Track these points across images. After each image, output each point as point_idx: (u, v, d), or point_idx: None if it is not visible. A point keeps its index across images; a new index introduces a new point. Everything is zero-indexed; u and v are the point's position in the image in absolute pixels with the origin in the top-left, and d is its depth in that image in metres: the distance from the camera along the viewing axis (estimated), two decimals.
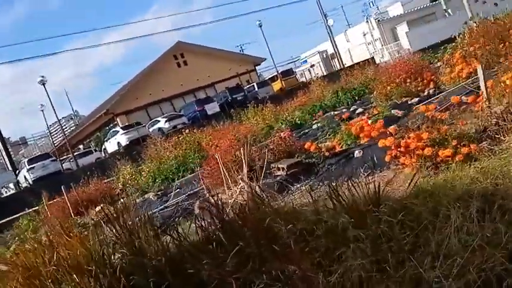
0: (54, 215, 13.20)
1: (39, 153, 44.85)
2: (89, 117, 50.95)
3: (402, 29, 46.68)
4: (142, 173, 17.00)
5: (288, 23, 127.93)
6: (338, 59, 42.42)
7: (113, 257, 4.38)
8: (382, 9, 56.09)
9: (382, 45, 47.53)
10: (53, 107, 42.45)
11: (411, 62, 10.23)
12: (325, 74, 44.31)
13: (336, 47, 42.79)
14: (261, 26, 40.02)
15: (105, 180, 17.70)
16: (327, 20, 43.45)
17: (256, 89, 39.26)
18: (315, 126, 11.12)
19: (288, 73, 42.70)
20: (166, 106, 44.90)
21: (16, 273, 4.54)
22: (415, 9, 51.38)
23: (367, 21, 48.50)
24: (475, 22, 12.32)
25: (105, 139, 37.02)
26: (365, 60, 42.99)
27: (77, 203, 13.13)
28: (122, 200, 12.68)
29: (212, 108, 35.85)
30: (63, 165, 33.92)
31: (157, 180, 11.95)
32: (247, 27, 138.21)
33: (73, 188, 21.03)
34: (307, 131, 11.46)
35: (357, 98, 14.74)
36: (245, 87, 40.19)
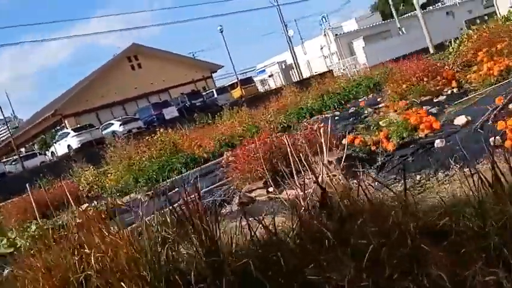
0: (17, 217, 11.70)
1: None
2: (33, 119, 47.84)
3: (359, 44, 47.41)
4: (108, 174, 15.75)
5: (243, 31, 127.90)
6: (297, 70, 42.32)
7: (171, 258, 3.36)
8: (336, 24, 56.77)
9: (339, 59, 48.07)
10: (8, 99, 39.16)
11: (423, 62, 9.80)
12: (284, 84, 44.03)
13: (296, 58, 42.72)
14: (222, 32, 39.22)
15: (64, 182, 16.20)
16: (287, 31, 43.32)
17: (216, 95, 38.31)
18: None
19: (247, 81, 42.08)
20: (118, 110, 42.94)
21: (35, 278, 3.41)
22: (371, 25, 52.58)
23: (324, 35, 48.89)
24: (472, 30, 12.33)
25: (54, 141, 34.68)
26: (324, 72, 43.36)
27: (39, 204, 11.71)
28: (95, 202, 11.40)
29: (170, 112, 34.54)
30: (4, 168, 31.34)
31: (140, 180, 10.74)
32: (204, 32, 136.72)
33: (26, 190, 19.28)
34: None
35: (343, 102, 14.24)
36: (204, 94, 39.11)
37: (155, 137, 15.29)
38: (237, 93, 39.94)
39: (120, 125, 33.51)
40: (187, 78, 46.73)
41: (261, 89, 44.71)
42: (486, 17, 44.67)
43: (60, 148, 32.81)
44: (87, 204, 8.87)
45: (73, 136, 31.40)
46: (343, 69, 41.00)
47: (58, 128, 42.53)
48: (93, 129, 32.23)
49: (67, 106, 40.44)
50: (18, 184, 25.10)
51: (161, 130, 18.34)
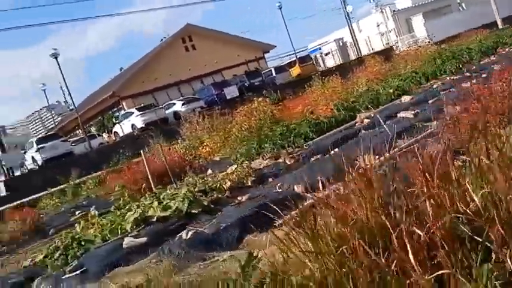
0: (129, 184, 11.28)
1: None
2: (88, 102, 48.22)
3: (418, 20, 45.60)
4: (204, 146, 15.34)
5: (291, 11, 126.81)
6: (356, 47, 40.97)
7: None
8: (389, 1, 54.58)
9: (397, 36, 46.35)
10: (65, 81, 39.42)
11: None
12: (341, 62, 42.86)
13: (354, 35, 41.31)
14: (280, 8, 38.15)
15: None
16: (346, 6, 41.96)
17: (274, 74, 37.45)
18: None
19: (305, 59, 41.04)
20: (174, 91, 42.67)
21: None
22: (428, 1, 50.45)
23: (381, 12, 47.18)
24: None
25: (117, 121, 34.71)
26: (384, 49, 41.86)
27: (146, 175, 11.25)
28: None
29: (231, 92, 33.96)
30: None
31: (265, 146, 10.03)
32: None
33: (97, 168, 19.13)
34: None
35: (461, 66, 13.16)
36: (262, 73, 38.35)
37: (252, 106, 14.60)
38: (295, 71, 39.00)
39: (183, 104, 33.16)
40: (239, 59, 45.96)
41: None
42: None
43: (124, 128, 32.72)
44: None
45: (137, 115, 31.18)
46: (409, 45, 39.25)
47: (115, 109, 42.71)
48: (157, 108, 31.95)
49: (124, 88, 40.43)
50: (85, 163, 25.35)
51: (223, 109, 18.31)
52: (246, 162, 9.57)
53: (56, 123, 68.83)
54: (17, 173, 30.19)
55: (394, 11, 46.73)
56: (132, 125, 31.57)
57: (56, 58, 29.21)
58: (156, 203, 7.02)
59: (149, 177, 10.88)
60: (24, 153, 30.18)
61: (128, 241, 6.24)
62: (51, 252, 7.29)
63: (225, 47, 45.42)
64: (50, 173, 25.80)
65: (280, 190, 6.22)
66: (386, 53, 37.87)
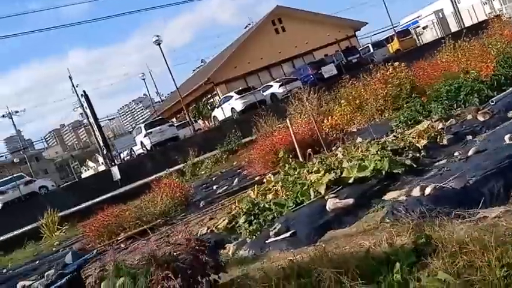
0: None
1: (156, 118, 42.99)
2: (181, 91, 49.28)
3: None
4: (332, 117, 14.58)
5: None
6: (459, 19, 38.10)
7: None
8: None
9: (501, 4, 42.61)
10: (168, 68, 39.83)
11: None
12: (442, 35, 40.13)
13: (457, 6, 38.44)
14: None
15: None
16: None
17: (372, 50, 35.85)
18: None
19: (404, 34, 38.90)
20: (265, 75, 42.44)
21: None
22: None
23: None
24: None
25: (215, 106, 34.99)
26: (493, 17, 38.61)
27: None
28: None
29: (329, 70, 32.92)
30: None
31: (433, 107, 9.05)
32: None
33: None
34: None
35: None
36: (360, 49, 36.87)
37: (388, 72, 13.57)
38: (395, 46, 37.10)
39: (280, 86, 32.72)
40: (330, 38, 44.56)
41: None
42: None
43: (222, 113, 32.83)
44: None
45: (237, 99, 31.10)
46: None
47: (209, 96, 43.25)
48: (255, 91, 31.71)
49: (217, 74, 40.74)
50: (191, 147, 25.52)
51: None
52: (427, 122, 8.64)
53: (147, 114, 71.39)
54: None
55: None
56: (232, 109, 31.56)
57: (159, 45, 29.73)
58: (346, 164, 6.36)
59: (296, 146, 10.36)
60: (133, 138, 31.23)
61: (332, 203, 5.64)
62: (231, 219, 6.94)
63: (315, 27, 44.39)
64: (158, 156, 26.49)
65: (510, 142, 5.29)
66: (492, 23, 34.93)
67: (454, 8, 38.02)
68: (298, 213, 5.91)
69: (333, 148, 10.13)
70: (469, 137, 6.70)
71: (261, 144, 11.89)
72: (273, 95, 32.72)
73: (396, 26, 51.40)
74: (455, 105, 8.99)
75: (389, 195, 5.67)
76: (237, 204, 7.45)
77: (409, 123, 9.19)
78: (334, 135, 12.71)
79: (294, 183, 6.70)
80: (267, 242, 5.54)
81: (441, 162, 6.19)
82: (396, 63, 13.92)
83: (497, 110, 7.27)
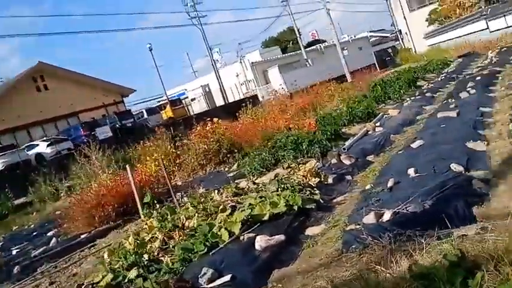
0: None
1: None
2: None
3: (274, 72, 48.72)
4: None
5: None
6: (223, 94, 41.79)
7: None
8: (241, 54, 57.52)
9: (255, 86, 48.82)
10: None
11: None
12: (209, 107, 43.26)
13: (221, 83, 42.22)
14: (151, 50, 37.19)
15: None
16: (212, 54, 42.80)
17: (146, 116, 35.95)
18: None
19: (176, 103, 40.28)
20: (22, 135, 37.83)
21: None
22: (278, 56, 54.87)
23: (240, 62, 49.41)
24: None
25: None
26: (252, 96, 43.65)
27: None
28: None
29: (104, 132, 31.36)
30: None
31: (283, 155, 9.32)
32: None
33: None
34: None
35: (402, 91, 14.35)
36: (134, 114, 36.52)
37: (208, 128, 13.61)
38: (168, 113, 38.00)
39: (48, 145, 29.45)
40: (97, 102, 43.27)
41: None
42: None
43: None
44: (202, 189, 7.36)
45: None
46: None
47: None
48: (18, 150, 27.78)
49: None
50: None
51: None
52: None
53: None
54: None
55: (252, 62, 49.28)
56: None
57: None
58: (252, 201, 5.88)
59: (136, 196, 9.21)
60: None
61: (264, 240, 5.04)
62: (113, 275, 5.56)
63: (81, 89, 42.35)
64: None
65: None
66: (254, 100, 39.78)
67: (219, 84, 41.58)
68: (220, 256, 5.05)
69: (178, 197, 9.38)
70: (348, 177, 7.03)
71: (80, 199, 10.15)
72: (39, 155, 29.14)
73: (162, 96, 53.37)
74: (299, 154, 9.43)
75: (312, 231, 5.41)
76: (107, 257, 6.01)
77: (262, 170, 9.21)
78: (159, 188, 11.85)
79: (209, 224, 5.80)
80: None
81: (338, 199, 6.29)
82: (215, 119, 14.11)
83: (356, 155, 7.90)
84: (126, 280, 5.29)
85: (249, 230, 5.51)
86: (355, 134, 11.18)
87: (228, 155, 13.10)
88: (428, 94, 13.19)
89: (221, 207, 6.30)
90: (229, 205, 7.18)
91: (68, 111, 41.02)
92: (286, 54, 59.27)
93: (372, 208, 4.89)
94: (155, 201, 10.32)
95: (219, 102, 44.41)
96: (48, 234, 11.03)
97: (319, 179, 6.63)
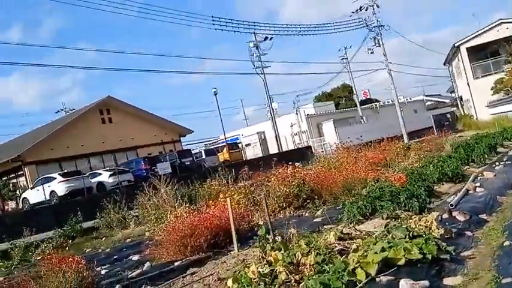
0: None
1: None
2: None
3: (329, 126, 49.03)
4: None
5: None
6: (278, 142, 42.31)
7: None
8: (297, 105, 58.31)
9: (308, 138, 49.13)
10: None
11: None
12: (263, 154, 43.77)
13: (277, 131, 42.87)
14: (216, 94, 38.43)
15: None
16: (271, 103, 43.78)
17: (204, 156, 36.69)
18: None
19: (233, 146, 41.07)
20: (83, 163, 39.24)
21: None
22: (333, 111, 55.40)
23: (296, 113, 50.10)
24: None
25: (30, 187, 30.35)
26: (304, 147, 43.95)
27: None
28: None
29: (164, 168, 32.05)
30: None
31: (382, 205, 9.34)
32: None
33: None
34: None
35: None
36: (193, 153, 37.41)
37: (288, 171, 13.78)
38: (223, 156, 38.69)
39: (110, 175, 30.44)
40: (156, 139, 44.57)
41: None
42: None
43: (36, 195, 28.62)
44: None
45: (60, 182, 27.63)
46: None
47: (11, 176, 37.64)
48: (83, 176, 28.79)
49: (30, 153, 36.06)
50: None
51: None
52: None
53: None
54: None
55: (308, 114, 49.87)
56: (51, 192, 27.74)
57: None
58: (385, 244, 5.88)
59: (232, 228, 9.37)
60: None
61: (409, 284, 5.02)
62: None
63: (142, 125, 43.98)
64: None
65: None
66: (307, 151, 40.05)
67: (275, 133, 42.18)
68: None
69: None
70: (469, 233, 6.94)
71: (173, 227, 10.38)
72: (101, 183, 30.11)
73: (215, 139, 54.43)
74: (396, 206, 9.38)
75: (452, 281, 5.35)
76: (231, 284, 6.10)
77: (360, 218, 9.22)
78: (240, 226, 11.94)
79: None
80: None
81: (466, 253, 6.20)
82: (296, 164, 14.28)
83: (468, 212, 7.81)
84: None
85: (384, 273, 5.50)
86: (446, 193, 11.09)
87: (308, 200, 13.17)
88: None
89: (353, 246, 6.33)
90: (337, 248, 7.27)
91: (128, 145, 42.48)
92: (341, 110, 59.78)
93: None
94: (249, 239, 10.48)
95: (273, 149, 44.85)
96: (133, 258, 11.25)
97: (443, 231, 6.57)
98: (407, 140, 41.61)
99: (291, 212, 12.96)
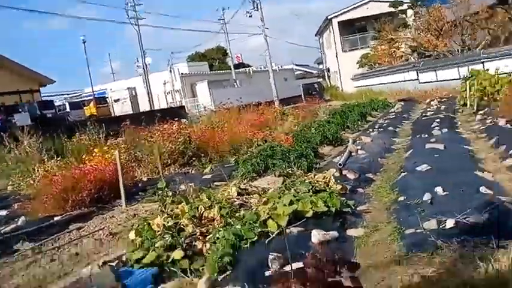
0: None
1: None
2: None
3: (202, 87, 48.74)
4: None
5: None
6: (150, 100, 40.91)
7: None
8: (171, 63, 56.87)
9: (181, 98, 48.42)
10: None
11: None
12: (133, 111, 42.09)
13: (149, 87, 41.36)
14: (84, 42, 35.55)
15: None
16: (145, 57, 41.87)
17: (68, 109, 34.11)
18: None
19: (101, 101, 38.60)
20: None
21: None
22: (210, 72, 55.24)
23: (170, 71, 48.88)
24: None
25: None
26: (177, 106, 43.14)
27: None
28: None
29: (23, 119, 29.20)
30: None
31: (274, 163, 9.51)
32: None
33: None
34: None
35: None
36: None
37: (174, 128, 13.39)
38: (89, 110, 36.31)
39: None
40: (10, 87, 40.07)
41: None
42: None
43: None
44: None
45: None
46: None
47: None
48: None
49: None
50: None
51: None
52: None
53: None
54: None
55: (182, 73, 48.93)
56: None
57: None
58: (293, 198, 6.00)
59: (120, 181, 8.82)
60: None
61: (321, 234, 5.19)
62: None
63: None
64: None
65: None
66: (180, 111, 39.31)
67: (147, 90, 40.71)
68: (275, 246, 5.09)
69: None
70: (360, 190, 7.41)
71: (51, 180, 9.47)
72: None
73: (80, 94, 50.93)
74: (286, 164, 9.66)
75: (355, 232, 5.65)
76: (133, 237, 5.75)
77: (253, 175, 9.32)
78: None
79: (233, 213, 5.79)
80: (267, 273, 4.54)
81: (361, 207, 6.60)
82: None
83: (357, 171, 8.32)
84: (170, 260, 5.12)
85: (294, 225, 5.62)
86: (328, 154, 11.73)
87: (194, 158, 12.98)
88: (390, 128, 14.16)
89: (252, 201, 6.33)
90: (237, 203, 7.28)
91: None
92: (215, 71, 59.75)
93: (419, 217, 5.26)
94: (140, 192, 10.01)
95: (144, 107, 43.37)
96: (0, 213, 10.09)
97: (340, 187, 6.90)
98: (279, 105, 43.22)
99: (176, 169, 12.66)
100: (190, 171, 12.31)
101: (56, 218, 8.54)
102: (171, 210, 6.46)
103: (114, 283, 2.93)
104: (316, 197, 6.06)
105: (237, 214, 6.38)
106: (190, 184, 8.79)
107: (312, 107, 24.45)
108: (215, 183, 10.00)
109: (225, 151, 13.35)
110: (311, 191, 6.43)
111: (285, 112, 24.09)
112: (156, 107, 43.71)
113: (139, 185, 11.22)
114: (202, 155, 13.11)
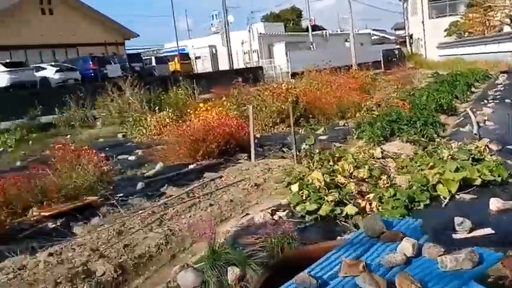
0: None
1: None
2: None
3: (280, 48, 48.24)
4: None
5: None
6: (230, 59, 41.15)
7: None
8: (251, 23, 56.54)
9: (258, 58, 48.28)
10: None
11: None
12: (213, 69, 42.71)
13: (230, 46, 41.53)
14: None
15: None
16: (227, 15, 41.94)
17: (154, 64, 35.07)
18: None
19: (184, 57, 39.40)
20: (18, 55, 36.06)
21: None
22: (287, 34, 54.53)
23: (249, 31, 48.70)
24: None
25: None
26: (255, 67, 43.17)
27: None
28: None
29: (114, 70, 30.34)
30: None
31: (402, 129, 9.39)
32: None
33: None
34: None
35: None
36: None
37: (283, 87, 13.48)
38: (173, 66, 37.18)
39: (56, 71, 28.32)
40: (98, 38, 41.62)
41: None
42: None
43: None
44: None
45: (2, 72, 25.29)
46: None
47: None
48: (27, 69, 26.54)
49: None
50: None
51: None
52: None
53: None
54: None
55: (260, 33, 48.63)
56: None
57: None
58: (455, 165, 5.90)
59: (251, 138, 9.07)
60: None
61: (501, 203, 5.11)
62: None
63: (85, 21, 40.89)
64: None
65: None
66: (258, 71, 39.23)
67: (228, 49, 40.91)
68: (454, 211, 5.08)
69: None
70: (509, 162, 7.17)
71: (184, 130, 9.87)
72: (45, 79, 27.96)
73: (160, 49, 52.01)
74: (412, 131, 9.50)
75: None
76: (295, 189, 5.93)
77: (380, 139, 9.25)
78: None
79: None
80: (455, 237, 4.56)
81: None
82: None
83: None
84: (343, 214, 5.26)
85: (464, 191, 5.57)
86: (446, 123, 11.40)
87: (302, 119, 13.06)
88: (507, 101, 13.53)
89: (390, 165, 6.34)
90: (376, 165, 7.28)
91: (68, 41, 39.42)
92: (291, 33, 58.98)
93: None
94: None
95: (222, 66, 43.76)
96: (129, 158, 10.72)
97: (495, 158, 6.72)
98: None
99: (284, 129, 12.80)
100: (300, 131, 12.40)
101: (190, 166, 8.96)
102: (327, 168, 6.58)
103: (383, 229, 3.07)
104: (481, 165, 5.95)
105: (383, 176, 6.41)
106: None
107: (399, 74, 23.67)
108: (333, 144, 10.02)
109: (332, 114, 13.33)
110: (471, 159, 6.30)
111: (376, 78, 23.55)
112: (235, 67, 44.01)
113: (255, 141, 11.46)
114: (310, 116, 13.17)
